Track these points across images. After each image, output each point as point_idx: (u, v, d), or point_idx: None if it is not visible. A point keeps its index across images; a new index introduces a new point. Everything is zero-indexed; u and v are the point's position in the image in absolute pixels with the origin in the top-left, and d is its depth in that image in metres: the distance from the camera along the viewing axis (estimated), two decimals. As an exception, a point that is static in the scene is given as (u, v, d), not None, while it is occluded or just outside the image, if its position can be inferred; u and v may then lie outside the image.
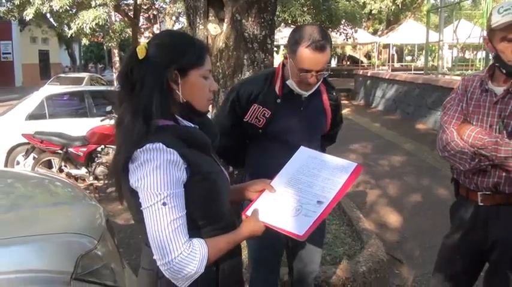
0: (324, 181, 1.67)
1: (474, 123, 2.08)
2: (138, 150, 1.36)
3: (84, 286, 1.99)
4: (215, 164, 1.57)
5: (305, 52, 2.05)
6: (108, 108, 6.52)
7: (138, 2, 17.73)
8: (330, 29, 19.95)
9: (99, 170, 6.12)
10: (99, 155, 6.17)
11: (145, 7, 19.82)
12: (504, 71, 1.99)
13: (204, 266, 1.39)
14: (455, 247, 2.22)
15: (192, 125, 1.56)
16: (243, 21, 4.03)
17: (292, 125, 2.27)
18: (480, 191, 2.08)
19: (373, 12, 25.83)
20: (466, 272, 2.22)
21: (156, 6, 20.99)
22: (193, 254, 1.37)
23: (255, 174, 2.06)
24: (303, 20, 14.78)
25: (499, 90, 2.04)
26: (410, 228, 4.83)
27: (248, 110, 2.25)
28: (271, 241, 2.30)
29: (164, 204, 1.35)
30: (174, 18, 22.10)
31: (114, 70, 21.19)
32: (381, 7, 24.13)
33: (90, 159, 6.17)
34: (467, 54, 23.43)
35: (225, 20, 4.11)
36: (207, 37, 4.21)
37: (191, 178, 1.41)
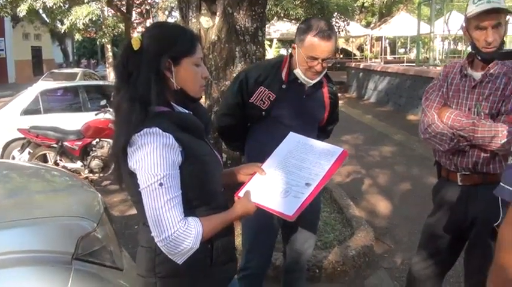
0: (312, 164, 1.77)
1: (454, 106, 2.21)
2: (136, 134, 1.45)
3: (84, 265, 2.08)
4: (208, 147, 1.67)
5: (313, 40, 2.21)
6: (103, 102, 6.60)
7: (131, -3, 17.77)
8: (323, 22, 20.01)
9: (94, 163, 6.20)
10: (94, 148, 6.25)
11: (137, 2, 19.80)
12: (479, 58, 2.11)
13: (198, 243, 1.48)
14: (437, 226, 2.34)
15: (186, 111, 1.66)
16: (235, 14, 4.12)
17: (293, 110, 2.41)
18: (459, 171, 2.20)
19: (365, 5, 25.86)
20: (448, 249, 2.34)
21: (149, 0, 20.99)
22: (188, 231, 1.46)
23: (254, 154, 2.18)
24: (295, 13, 14.88)
25: (477, 75, 2.16)
26: (399, 215, 4.97)
27: (254, 92, 2.39)
28: (268, 224, 2.45)
29: (161, 184, 1.44)
30: (166, 12, 22.09)
31: (107, 65, 21.16)
32: (373, 0, 24.21)
33: (85, 153, 6.26)
34: (459, 46, 23.54)
35: (217, 13, 4.19)
36: (200, 30, 4.30)
37: (186, 160, 1.51)
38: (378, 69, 15.24)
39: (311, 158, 1.81)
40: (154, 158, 1.44)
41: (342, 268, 3.64)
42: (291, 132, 1.98)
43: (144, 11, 20.82)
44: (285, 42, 33.44)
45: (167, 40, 1.57)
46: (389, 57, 29.93)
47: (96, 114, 6.37)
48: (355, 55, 29.26)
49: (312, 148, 1.88)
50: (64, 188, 2.86)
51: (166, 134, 1.46)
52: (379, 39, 29.68)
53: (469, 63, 2.22)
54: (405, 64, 18.41)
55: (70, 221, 2.26)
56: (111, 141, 6.18)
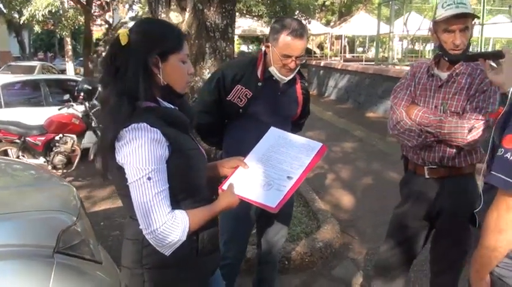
0: (293, 159, 1.85)
1: (421, 104, 2.34)
2: (124, 129, 1.48)
3: (66, 258, 2.09)
4: (193, 142, 1.72)
5: (287, 39, 2.31)
6: (66, 96, 6.50)
7: (91, -11, 17.42)
8: (284, 20, 20.20)
9: (58, 159, 6.08)
10: (57, 144, 6.13)
11: (98, -6, 19.46)
12: (446, 59, 2.25)
13: (186, 235, 1.53)
14: (405, 216, 2.48)
15: (172, 107, 1.71)
16: (205, 10, 4.16)
17: (269, 107, 2.50)
18: (427, 165, 2.35)
19: (326, 3, 26.24)
20: (415, 238, 2.49)
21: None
22: (176, 224, 1.51)
23: (232, 150, 2.24)
24: (258, 10, 15.04)
25: (444, 75, 2.31)
26: (362, 208, 5.15)
27: (232, 90, 2.46)
28: (245, 215, 2.53)
29: (149, 178, 1.47)
30: (127, 6, 21.70)
31: (66, 59, 20.59)
32: (333, -2, 24.63)
33: (48, 148, 6.13)
34: (417, 46, 24.27)
35: (187, 9, 4.22)
36: (169, 25, 4.31)
37: (172, 154, 1.55)
38: (338, 67, 15.53)
39: (292, 152, 1.88)
40: (142, 152, 1.47)
41: (310, 259, 3.76)
42: (271, 127, 2.05)
43: (104, 4, 20.39)
44: (246, 38, 33.55)
45: (156, 37, 1.61)
46: (348, 55, 30.46)
47: (59, 109, 6.25)
48: (315, 53, 29.60)
49: (292, 142, 1.96)
50: (41, 183, 2.84)
51: (154, 129, 1.49)
52: (338, 37, 30.17)
53: (435, 63, 2.36)
54: (364, 63, 18.80)
55: (51, 215, 2.26)
56: (74, 136, 6.13)
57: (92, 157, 6.06)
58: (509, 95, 1.55)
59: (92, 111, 6.18)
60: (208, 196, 1.75)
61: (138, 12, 20.40)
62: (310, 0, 19.26)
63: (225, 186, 1.80)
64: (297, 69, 2.48)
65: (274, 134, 2.02)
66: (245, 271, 3.27)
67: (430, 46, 14.15)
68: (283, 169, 1.81)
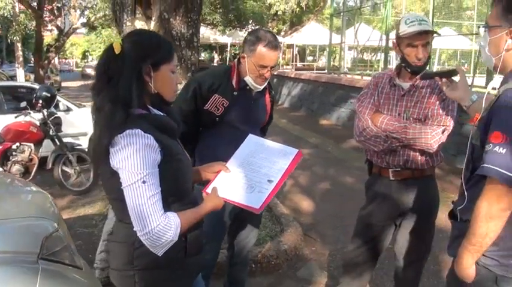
0: (272, 163, 1.97)
1: (385, 112, 2.53)
2: (119, 135, 1.55)
3: (49, 264, 2.11)
4: (180, 147, 1.82)
5: (263, 50, 2.44)
6: (22, 104, 6.35)
7: (43, -7, 16.94)
8: (238, 29, 20.46)
9: (15, 168, 5.92)
10: (14, 153, 5.97)
11: (49, -2, 18.94)
12: (409, 70, 2.45)
13: (178, 235, 1.62)
14: (371, 216, 2.65)
15: (162, 113, 1.80)
16: (171, 19, 4.25)
17: (243, 115, 2.61)
18: (391, 168, 2.53)
19: (278, 13, 26.70)
20: (380, 236, 2.66)
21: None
22: (169, 225, 1.59)
23: (207, 157, 2.33)
24: (213, 19, 15.16)
25: (406, 85, 2.50)
26: (321, 212, 5.34)
27: (209, 99, 2.55)
28: (220, 219, 2.63)
29: (144, 182, 1.55)
30: (78, 11, 21.23)
31: (17, 65, 19.83)
32: (285, 8, 25.03)
33: (5, 157, 5.97)
34: (366, 56, 25.10)
35: (153, 18, 4.29)
36: (135, 34, 4.36)
37: (163, 159, 1.63)
38: (291, 75, 15.86)
39: (270, 157, 2.01)
40: (137, 157, 1.55)
41: (276, 261, 3.89)
42: (250, 135, 2.18)
43: (55, 9, 19.87)
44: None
45: (150, 47, 1.69)
46: (299, 64, 31.06)
47: (16, 117, 6.11)
48: (267, 61, 29.94)
49: (270, 148, 2.09)
50: (17, 190, 2.82)
51: (147, 135, 1.58)
52: (290, 46, 30.74)
53: (396, 74, 2.57)
54: (315, 71, 19.28)
55: (33, 221, 2.28)
56: (32, 145, 6.01)
57: (50, 166, 5.97)
58: (483, 103, 1.74)
59: (50, 119, 6.08)
60: (194, 199, 1.84)
61: (89, 18, 19.99)
62: (263, 10, 19.52)
63: (208, 189, 1.90)
64: (269, 78, 2.62)
65: (252, 141, 2.14)
66: (215, 275, 3.35)
67: (379, 56, 14.72)
68: (264, 172, 1.94)
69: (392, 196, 2.55)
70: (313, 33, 25.31)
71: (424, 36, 2.36)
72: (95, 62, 52.04)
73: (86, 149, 6.84)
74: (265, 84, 2.61)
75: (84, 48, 53.88)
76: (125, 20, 4.39)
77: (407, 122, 2.42)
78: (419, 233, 2.54)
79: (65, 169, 6.19)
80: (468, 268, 1.66)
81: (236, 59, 2.68)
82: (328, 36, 16.61)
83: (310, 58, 37.88)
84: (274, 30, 30.04)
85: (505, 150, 1.49)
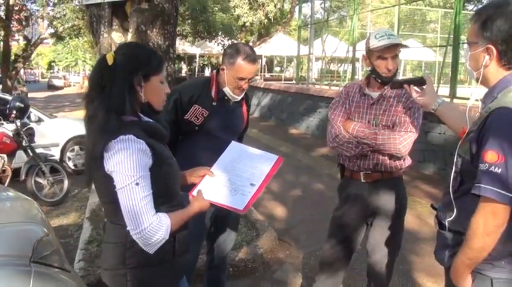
0: (254, 168, 2.12)
1: (356, 120, 2.71)
2: (113, 141, 1.67)
3: (41, 267, 2.19)
4: (169, 152, 1.94)
5: (242, 63, 2.59)
6: (-6, 115, 6.31)
7: (11, 3, 16.61)
8: (208, 40, 20.62)
9: None
10: None
11: (16, 8, 18.57)
12: (380, 81, 2.65)
13: (168, 234, 1.74)
14: (344, 216, 2.83)
15: (151, 121, 1.92)
16: (148, 31, 4.36)
17: (222, 124, 2.75)
18: (362, 171, 2.71)
19: (246, 24, 26.98)
20: (353, 235, 2.83)
21: (28, 7, 19.81)
22: (160, 224, 1.71)
23: (187, 164, 2.46)
24: (183, 30, 15.27)
25: (375, 94, 2.70)
26: (294, 217, 5.53)
27: (189, 110, 2.68)
28: (200, 222, 2.75)
29: (137, 184, 1.67)
30: (46, 21, 20.94)
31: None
32: (253, 20, 25.32)
33: None
34: (332, 67, 25.60)
35: (130, 30, 4.40)
36: (111, 45, 4.47)
37: (154, 163, 1.76)
38: (261, 86, 16.07)
39: (252, 163, 2.17)
40: (131, 161, 1.66)
41: (253, 265, 4.03)
42: (232, 142, 2.33)
43: (23, 19, 19.56)
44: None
45: (141, 59, 1.82)
46: (267, 75, 31.40)
47: (-11, 128, 6.07)
48: (235, 72, 30.15)
49: (252, 154, 2.25)
50: (5, 198, 2.86)
51: (140, 140, 1.70)
52: (258, 57, 31.03)
53: (366, 84, 2.76)
54: (283, 82, 19.56)
55: (25, 227, 2.36)
56: (5, 156, 5.97)
57: (23, 177, 5.95)
58: (466, 114, 1.84)
59: (23, 129, 6.06)
60: (181, 201, 1.95)
61: (57, 29, 19.75)
62: (231, 21, 19.75)
63: (194, 192, 2.02)
64: (246, 89, 2.77)
65: (236, 147, 2.29)
66: (194, 280, 3.45)
67: (346, 67, 15.11)
68: (246, 177, 2.09)
69: (363, 197, 2.73)
70: (281, 44, 25.68)
71: (393, 49, 2.57)
72: (61, 73, 51.16)
73: (58, 160, 6.86)
74: (243, 94, 2.76)
75: (50, 58, 52.96)
76: (101, 31, 4.49)
77: (376, 129, 2.61)
78: (390, 231, 2.73)
79: (38, 179, 6.18)
80: (465, 279, 1.73)
81: (215, 71, 2.82)
82: (295, 48, 16.96)
83: (277, 69, 38.32)
84: (243, 41, 30.45)
85: (500, 169, 1.54)
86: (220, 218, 2.92)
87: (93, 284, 3.36)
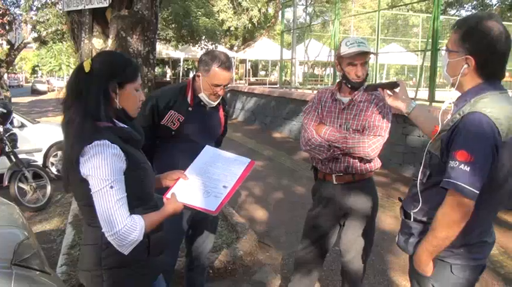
0: (226, 171, 2.21)
1: (328, 124, 2.82)
2: (88, 146, 1.74)
3: (22, 270, 2.24)
4: (143, 157, 2.02)
5: (217, 71, 2.68)
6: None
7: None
8: (191, 44, 20.70)
9: None
10: None
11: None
12: (349, 86, 2.76)
13: (142, 235, 1.81)
14: (317, 217, 2.93)
15: (126, 126, 2.00)
16: (128, 38, 4.43)
17: (198, 129, 2.83)
18: (334, 173, 2.82)
19: (230, 29, 27.12)
20: (326, 235, 2.93)
21: (11, 12, 19.64)
22: (134, 225, 1.78)
23: (165, 167, 2.54)
24: (166, 34, 15.31)
25: (346, 99, 2.81)
26: (275, 219, 5.61)
27: (165, 115, 2.75)
28: (178, 225, 2.82)
29: (111, 187, 1.74)
30: (29, 26, 20.81)
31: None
32: (237, 24, 25.46)
33: None
34: (316, 71, 25.81)
35: (111, 36, 4.46)
36: (92, 51, 4.52)
37: (128, 167, 1.83)
38: (245, 90, 16.16)
39: (225, 166, 2.25)
40: (105, 165, 1.74)
41: (232, 267, 4.10)
42: (206, 146, 2.41)
43: (6, 23, 19.42)
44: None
45: (117, 67, 1.90)
46: (252, 79, 31.52)
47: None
48: (220, 76, 30.25)
49: (225, 158, 2.33)
50: None
51: (114, 145, 1.78)
52: (243, 61, 31.21)
53: (338, 89, 2.87)
54: (268, 86, 19.68)
55: (6, 230, 2.41)
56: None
57: (6, 183, 5.95)
58: (439, 117, 1.98)
59: (6, 135, 6.07)
60: (155, 203, 2.03)
61: (40, 32, 19.64)
62: (215, 26, 19.85)
63: (168, 195, 2.10)
64: (222, 95, 2.86)
65: (209, 151, 2.38)
66: (174, 282, 3.51)
67: (328, 71, 15.29)
68: (219, 179, 2.17)
69: (336, 198, 2.84)
70: (265, 48, 25.87)
71: (363, 56, 2.68)
72: (45, 78, 50.64)
73: (41, 165, 6.86)
74: (219, 100, 2.85)
75: (34, 63, 52.47)
76: (82, 37, 4.55)
77: (347, 133, 2.72)
78: (362, 230, 2.84)
79: (21, 185, 6.19)
80: (427, 265, 1.90)
81: (191, 77, 2.90)
82: (280, 52, 17.11)
83: (262, 73, 38.48)
84: (227, 46, 30.59)
85: (469, 168, 1.70)
86: (199, 220, 2.99)
87: (76, 288, 3.41)
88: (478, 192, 1.72)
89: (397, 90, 2.45)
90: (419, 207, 1.96)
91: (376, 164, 2.84)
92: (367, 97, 2.76)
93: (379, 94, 2.67)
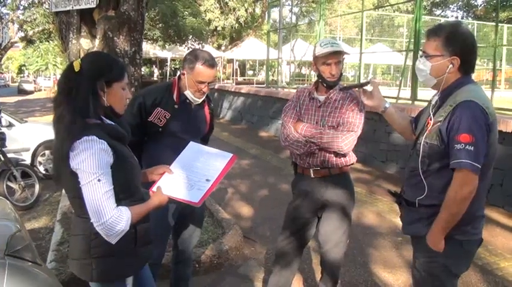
0: (209, 165, 2.34)
1: (305, 121, 2.96)
2: (78, 141, 1.86)
3: (15, 260, 2.33)
4: (130, 152, 2.14)
5: (201, 68, 2.80)
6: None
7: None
8: (178, 44, 20.77)
9: None
10: None
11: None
12: (325, 85, 2.90)
13: (129, 225, 1.93)
14: (297, 210, 3.07)
15: (113, 123, 2.11)
16: (115, 38, 4.54)
17: (185, 126, 2.95)
18: (312, 168, 2.96)
19: (217, 29, 27.17)
20: (305, 227, 3.07)
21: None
22: (121, 216, 1.90)
23: (153, 162, 2.64)
24: (153, 34, 15.37)
25: (322, 98, 2.95)
26: (260, 216, 5.76)
27: (152, 112, 2.87)
28: (164, 219, 2.93)
29: (99, 180, 1.87)
30: (16, 25, 20.72)
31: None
32: (224, 24, 25.53)
33: None
34: (303, 70, 25.99)
35: (98, 37, 4.56)
36: (80, 51, 4.62)
37: (115, 161, 1.95)
38: (232, 89, 16.28)
39: (208, 161, 2.38)
40: (93, 159, 1.86)
41: (218, 261, 4.22)
42: (191, 142, 2.54)
43: (-8, 22, 19.37)
44: (138, 60, 33.17)
45: (104, 67, 2.02)
46: (239, 78, 31.61)
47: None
48: (208, 76, 30.32)
49: (208, 153, 2.46)
50: None
51: (102, 141, 1.90)
52: (230, 61, 31.30)
53: (315, 88, 3.01)
54: (255, 85, 19.81)
55: (0, 222, 2.49)
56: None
57: None
58: (438, 110, 2.19)
59: (-5, 135, 6.13)
60: (142, 196, 2.15)
61: (27, 31, 19.57)
62: (202, 25, 19.93)
63: (154, 188, 2.23)
64: (207, 92, 2.98)
65: (193, 147, 2.50)
66: (161, 275, 3.61)
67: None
68: (202, 173, 2.30)
69: (313, 191, 2.98)
70: (252, 48, 25.96)
71: (336, 56, 2.82)
72: (31, 77, 50.18)
73: (29, 165, 6.91)
74: (204, 97, 2.96)
75: (21, 62, 52.07)
76: (70, 38, 4.64)
77: (322, 129, 2.86)
78: (339, 222, 2.98)
79: (10, 184, 6.25)
80: (441, 241, 2.14)
81: (177, 76, 3.02)
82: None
83: (250, 72, 38.60)
84: (215, 45, 30.65)
85: (472, 147, 1.98)
86: (185, 215, 3.09)
87: (65, 282, 3.49)
88: (480, 167, 1.99)
89: (369, 88, 2.62)
90: (425, 193, 2.19)
91: (352, 159, 2.98)
92: (342, 95, 2.91)
93: (354, 93, 2.84)
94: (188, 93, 2.90)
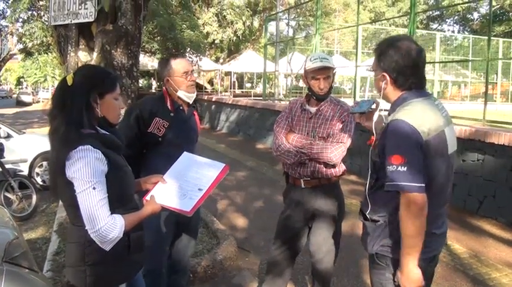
0: (202, 175, 2.40)
1: (297, 132, 3.04)
2: (73, 151, 1.93)
3: (13, 267, 2.39)
4: (124, 161, 2.21)
5: (177, 62, 2.93)
6: None
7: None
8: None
9: None
10: None
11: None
12: (314, 98, 2.99)
13: (122, 233, 1.99)
14: (288, 219, 3.13)
15: (107, 133, 2.18)
16: (112, 51, 4.63)
17: (182, 133, 3.02)
18: (302, 178, 3.03)
19: (215, 41, 27.36)
20: (296, 237, 3.13)
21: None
22: (115, 224, 1.96)
23: (154, 172, 2.69)
24: (151, 47, 15.50)
25: (313, 109, 3.04)
26: (255, 227, 5.81)
27: (151, 123, 2.92)
28: (158, 230, 2.97)
29: (94, 188, 1.93)
30: (15, 37, 20.86)
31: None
32: (222, 37, 25.71)
33: None
34: (301, 83, 26.15)
35: (95, 49, 4.65)
36: (78, 63, 4.71)
37: (110, 170, 2.02)
38: (229, 102, 16.39)
39: (201, 170, 2.45)
40: (88, 168, 1.93)
41: (212, 271, 4.27)
42: (184, 152, 2.60)
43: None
44: (137, 73, 33.31)
45: (96, 79, 2.10)
46: (237, 91, 31.75)
47: None
48: (205, 88, 30.53)
49: (201, 163, 2.53)
50: None
51: (97, 150, 1.97)
52: (228, 73, 31.47)
53: (306, 101, 3.10)
54: (253, 98, 19.92)
55: None
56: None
57: None
58: (377, 130, 2.20)
59: (-9, 144, 6.19)
60: (136, 205, 2.22)
61: (26, 44, 19.70)
62: (200, 38, 20.11)
63: (148, 197, 2.29)
64: (194, 84, 3.03)
65: (186, 157, 2.57)
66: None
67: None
68: (195, 183, 2.36)
69: (303, 201, 3.05)
70: (250, 61, 26.10)
71: (325, 71, 2.92)
72: (30, 89, 50.28)
73: (27, 175, 6.96)
74: (195, 91, 3.03)
75: (19, 74, 52.26)
76: (69, 51, 4.73)
77: (313, 140, 2.94)
78: (329, 232, 3.05)
79: (7, 195, 6.30)
80: (414, 271, 1.99)
81: (164, 88, 3.07)
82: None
83: (248, 85, 38.80)
84: (213, 58, 30.84)
85: (405, 168, 1.91)
86: (181, 225, 3.13)
87: (61, 291, 3.55)
88: (422, 185, 1.93)
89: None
90: (369, 208, 2.17)
91: (341, 169, 3.05)
92: (333, 108, 2.99)
93: (345, 105, 2.91)
94: (181, 93, 2.95)
